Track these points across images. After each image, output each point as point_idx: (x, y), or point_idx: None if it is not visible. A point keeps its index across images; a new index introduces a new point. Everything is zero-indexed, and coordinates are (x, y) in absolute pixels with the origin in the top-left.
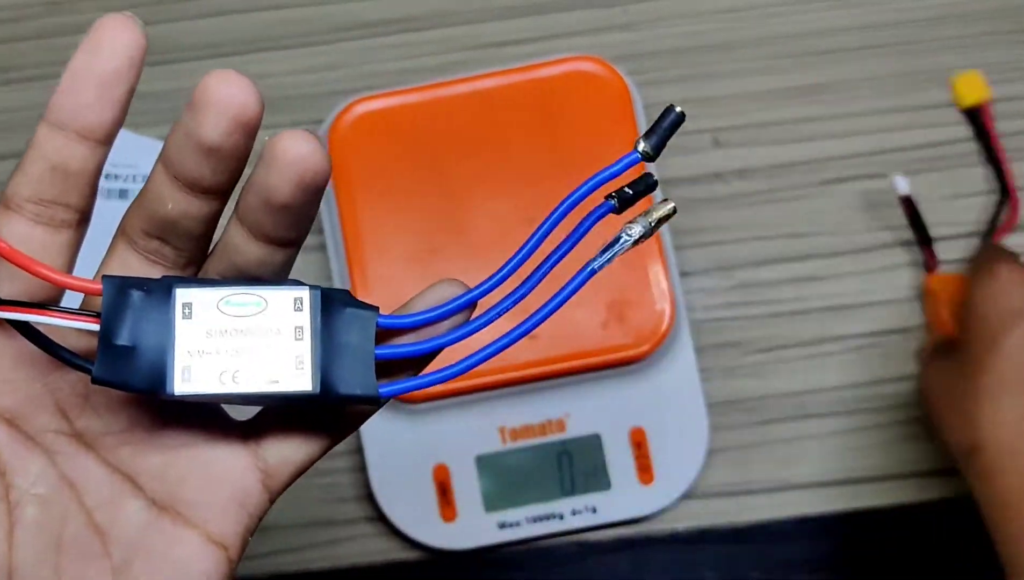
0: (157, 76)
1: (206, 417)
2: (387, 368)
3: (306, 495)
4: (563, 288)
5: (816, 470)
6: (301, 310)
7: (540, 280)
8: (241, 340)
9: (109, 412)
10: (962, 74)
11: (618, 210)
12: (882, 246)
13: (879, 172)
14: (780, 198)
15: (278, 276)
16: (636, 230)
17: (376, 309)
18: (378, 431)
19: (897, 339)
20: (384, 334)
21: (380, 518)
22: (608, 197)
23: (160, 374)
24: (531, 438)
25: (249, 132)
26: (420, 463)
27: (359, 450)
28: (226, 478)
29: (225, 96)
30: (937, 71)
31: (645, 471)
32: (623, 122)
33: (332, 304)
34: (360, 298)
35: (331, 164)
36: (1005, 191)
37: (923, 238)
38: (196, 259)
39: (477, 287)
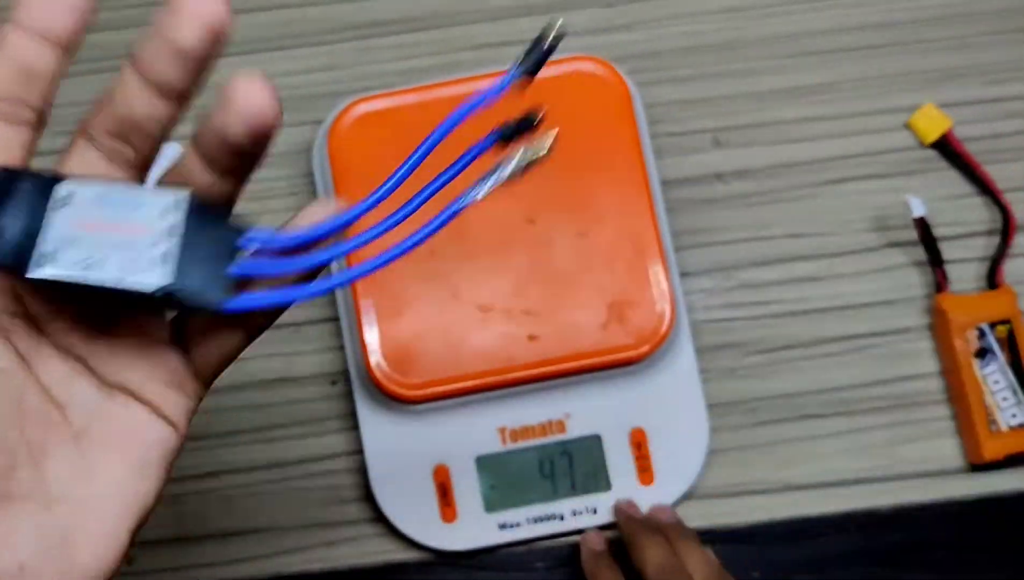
0: None
1: (144, 315)
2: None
3: (306, 496)
4: (445, 209)
5: (816, 470)
6: (176, 210)
7: (418, 207)
8: (112, 235)
9: (56, 300)
10: (917, 111)
11: (504, 142)
12: (882, 246)
13: (879, 172)
14: (780, 198)
15: (227, 206)
16: (512, 165)
17: (248, 226)
18: (378, 431)
19: (897, 339)
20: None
21: (380, 519)
22: (494, 130)
23: (24, 255)
24: (531, 439)
25: (219, 40)
26: (420, 464)
27: (359, 451)
28: (165, 367)
29: (201, 6)
30: (937, 71)
31: (645, 472)
32: (623, 122)
33: (207, 214)
34: (361, 299)
35: (281, 111)
36: (1002, 208)
37: (935, 259)
38: (148, 163)
39: (350, 210)
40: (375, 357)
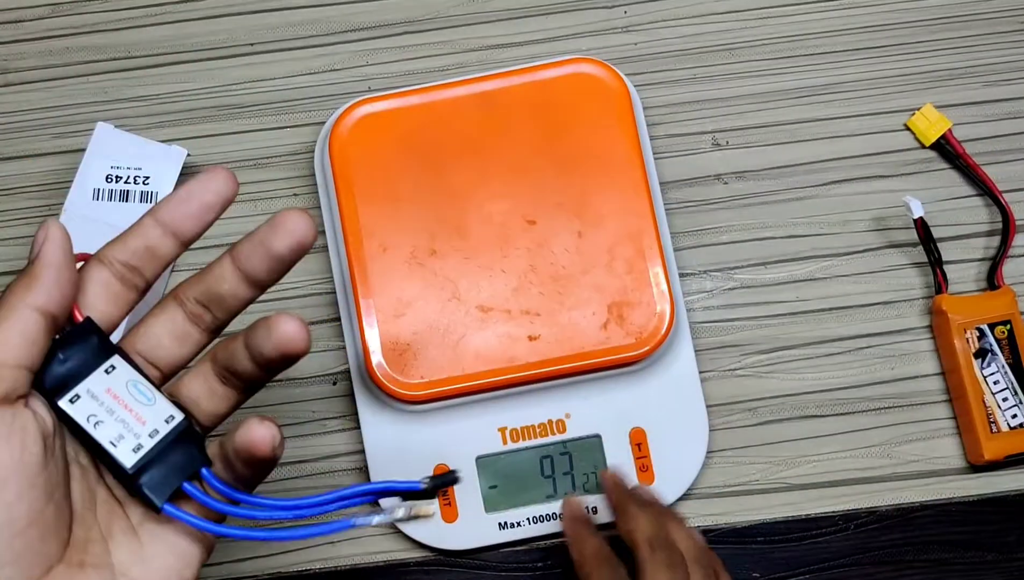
0: (160, 78)
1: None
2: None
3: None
4: (341, 521)
5: (816, 470)
6: (168, 423)
7: (318, 514)
8: (122, 411)
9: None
10: (917, 112)
11: (425, 494)
12: (882, 247)
13: (879, 173)
14: (780, 199)
15: (238, 308)
16: (400, 512)
17: (210, 463)
18: (379, 431)
19: (897, 339)
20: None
21: None
22: (422, 480)
23: (64, 389)
24: (532, 439)
25: (304, 252)
26: (421, 463)
27: (360, 451)
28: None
29: (298, 226)
30: (936, 72)
31: (645, 471)
32: (623, 124)
33: (188, 437)
34: (361, 299)
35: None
36: (1002, 209)
37: (935, 260)
38: (220, 329)
39: (276, 509)
40: (376, 357)
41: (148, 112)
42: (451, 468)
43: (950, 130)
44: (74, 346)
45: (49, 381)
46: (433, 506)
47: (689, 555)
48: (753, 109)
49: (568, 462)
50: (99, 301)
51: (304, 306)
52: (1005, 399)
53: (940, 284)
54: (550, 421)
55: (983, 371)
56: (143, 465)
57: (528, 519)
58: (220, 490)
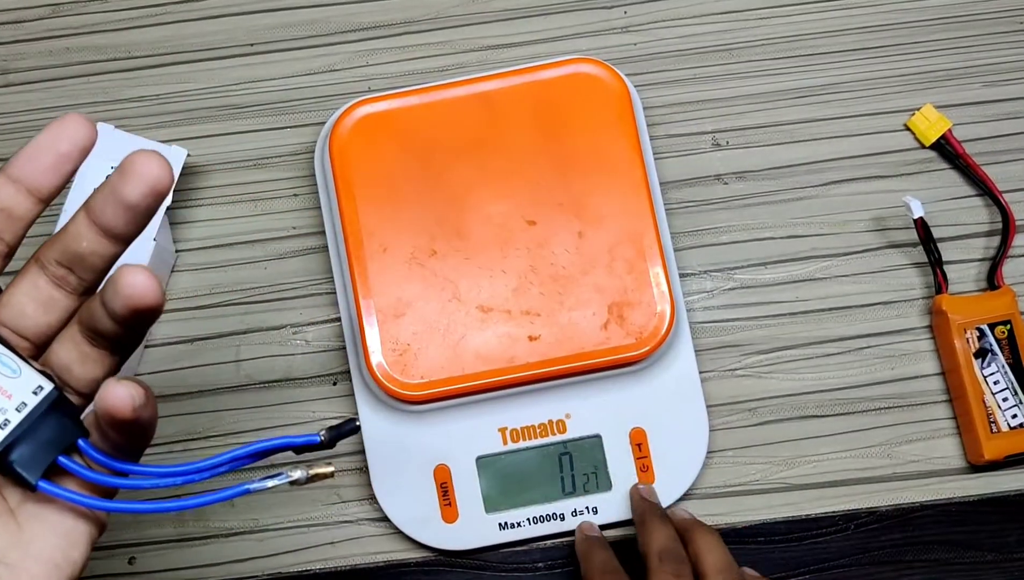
0: (160, 78)
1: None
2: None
3: (307, 496)
4: (234, 487)
5: (816, 470)
6: (36, 395)
7: (209, 477)
8: None
9: None
10: (917, 112)
11: (324, 446)
12: (882, 247)
13: (879, 173)
14: (780, 199)
15: (103, 266)
16: (297, 473)
17: (87, 434)
18: (379, 432)
19: (897, 339)
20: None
21: (381, 519)
22: (320, 433)
23: None
24: (532, 439)
25: (160, 198)
26: (421, 464)
27: (360, 451)
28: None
29: (148, 169)
30: (936, 73)
31: (645, 471)
32: (623, 124)
33: (61, 407)
34: (361, 299)
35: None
36: (1002, 209)
37: (935, 260)
38: (92, 288)
39: (163, 476)
40: (376, 357)
41: (148, 112)
42: (452, 473)
43: (950, 130)
44: None
45: None
46: (332, 466)
47: (712, 567)
48: (753, 109)
49: (568, 462)
50: None
51: (304, 306)
52: (1005, 399)
53: (940, 284)
54: (550, 421)
55: (983, 371)
56: (12, 441)
57: (528, 519)
58: (101, 461)
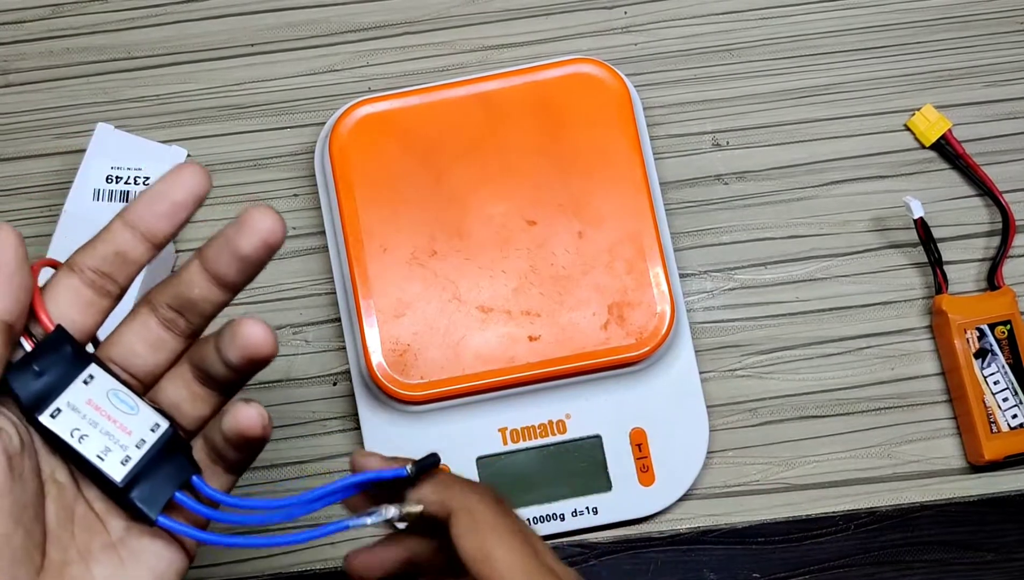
0: (160, 79)
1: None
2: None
3: None
4: (332, 524)
5: (816, 470)
6: (154, 432)
7: (309, 511)
8: (105, 423)
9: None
10: (917, 112)
11: (411, 482)
12: (882, 247)
13: (879, 173)
14: (780, 199)
15: (213, 312)
16: (392, 512)
17: (199, 470)
18: (379, 432)
19: (897, 339)
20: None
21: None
22: (407, 467)
23: (43, 403)
24: (532, 439)
25: (272, 251)
26: None
27: None
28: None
29: (263, 223)
30: (936, 73)
31: (646, 472)
32: (624, 124)
33: (175, 444)
34: (361, 299)
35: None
36: (1002, 209)
37: (935, 260)
38: (199, 331)
39: (270, 510)
40: (376, 357)
41: (148, 112)
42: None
43: (950, 130)
44: (48, 357)
45: (26, 397)
46: (421, 506)
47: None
48: (753, 109)
49: (569, 462)
50: (71, 309)
51: (304, 306)
52: (1005, 399)
53: (940, 284)
54: (550, 421)
55: (983, 371)
56: (133, 477)
57: (528, 519)
58: (212, 497)
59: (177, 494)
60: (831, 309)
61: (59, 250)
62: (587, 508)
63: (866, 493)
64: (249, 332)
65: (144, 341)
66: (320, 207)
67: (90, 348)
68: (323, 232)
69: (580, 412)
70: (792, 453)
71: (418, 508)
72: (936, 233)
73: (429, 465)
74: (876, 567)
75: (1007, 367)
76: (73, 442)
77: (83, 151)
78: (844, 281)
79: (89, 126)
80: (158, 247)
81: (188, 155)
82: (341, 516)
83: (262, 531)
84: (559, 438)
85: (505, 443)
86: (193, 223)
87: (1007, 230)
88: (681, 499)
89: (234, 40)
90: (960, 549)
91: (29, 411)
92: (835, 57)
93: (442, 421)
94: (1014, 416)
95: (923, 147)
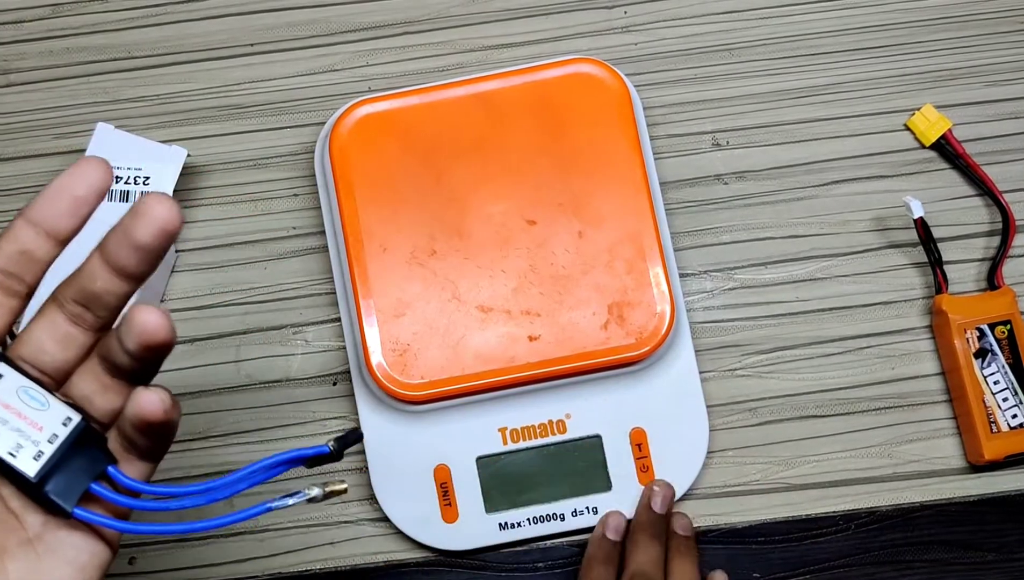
0: (160, 78)
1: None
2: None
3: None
4: (258, 506)
5: (816, 470)
6: (66, 426)
7: (231, 494)
8: (15, 419)
9: None
10: (917, 112)
11: (333, 457)
12: (882, 247)
13: (879, 173)
14: (780, 199)
15: (118, 304)
16: (314, 491)
17: (115, 460)
18: (379, 432)
19: (897, 339)
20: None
21: (381, 519)
22: (328, 443)
23: None
24: (532, 439)
25: (171, 238)
26: (421, 464)
27: (360, 451)
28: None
29: (158, 211)
30: (936, 73)
31: (646, 471)
32: (623, 124)
33: (88, 437)
34: (361, 299)
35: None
36: (1002, 209)
37: (935, 260)
38: (108, 325)
39: (189, 496)
40: (376, 357)
41: (148, 112)
42: (453, 474)
43: (950, 130)
44: None
45: None
46: (345, 483)
47: None
48: (753, 109)
49: (568, 462)
50: None
51: (304, 306)
52: (1005, 399)
53: (940, 284)
54: (550, 421)
55: (983, 371)
56: (46, 472)
57: (528, 519)
58: (129, 486)
59: (93, 485)
60: (831, 309)
61: None
62: (587, 508)
63: (866, 493)
64: (143, 319)
65: (52, 338)
66: (320, 207)
67: None
68: (323, 232)
69: (580, 412)
70: (792, 453)
71: (342, 486)
72: (936, 233)
73: (352, 441)
74: (876, 567)
75: (1007, 367)
76: None
77: (83, 151)
78: (844, 281)
79: (89, 126)
80: (63, 243)
81: (188, 155)
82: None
83: (184, 519)
84: (559, 438)
85: (505, 443)
86: (191, 224)
87: (1007, 230)
88: (681, 499)
89: (234, 40)
90: (960, 549)
91: None
92: (835, 57)
93: (442, 421)
94: (1014, 416)
95: (923, 147)
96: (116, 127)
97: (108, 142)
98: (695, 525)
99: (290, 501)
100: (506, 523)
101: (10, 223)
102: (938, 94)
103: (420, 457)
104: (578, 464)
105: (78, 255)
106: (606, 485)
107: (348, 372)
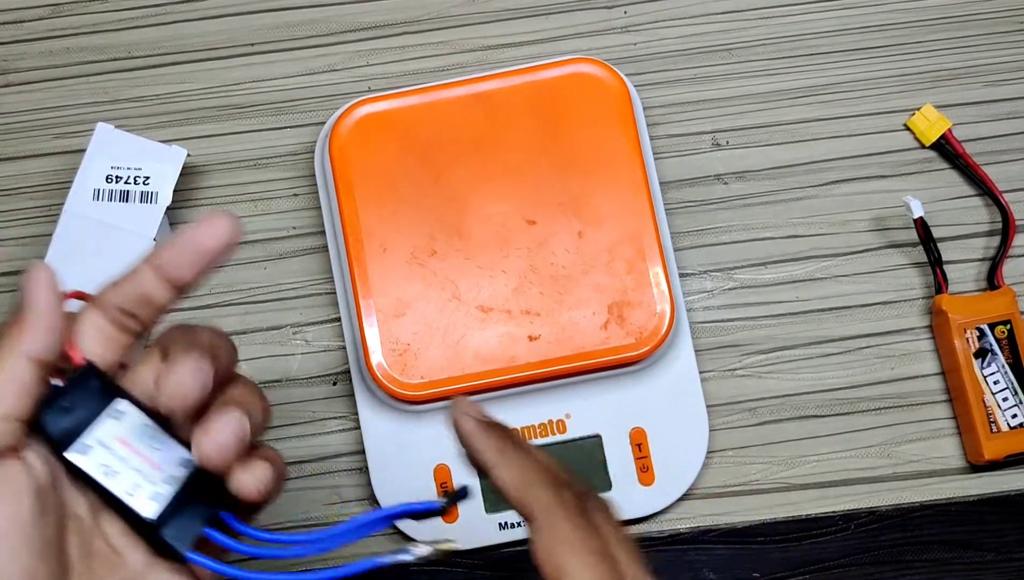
0: (160, 78)
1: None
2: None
3: (307, 496)
4: (370, 560)
5: (816, 470)
6: (183, 467)
7: (340, 544)
8: (135, 458)
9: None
10: (917, 112)
11: (442, 512)
12: (882, 247)
13: (879, 173)
14: (780, 199)
15: (162, 310)
16: (424, 550)
17: (229, 506)
18: (379, 432)
19: (897, 339)
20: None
21: None
22: (439, 500)
23: (71, 439)
24: (532, 439)
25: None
26: (421, 464)
27: (360, 451)
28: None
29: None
30: (936, 72)
31: (646, 471)
32: (623, 124)
33: (203, 479)
34: (361, 299)
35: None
36: (1002, 209)
37: (935, 259)
38: (149, 331)
39: (301, 544)
40: (376, 357)
41: (148, 112)
42: (453, 474)
43: (950, 130)
44: (77, 393)
45: (55, 432)
46: (455, 540)
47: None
48: (753, 109)
49: (568, 462)
50: (97, 346)
51: (304, 306)
52: (1005, 399)
53: (940, 284)
54: (550, 421)
55: (983, 371)
56: (163, 514)
57: None
58: (242, 531)
59: (207, 530)
60: (831, 309)
61: (59, 250)
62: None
63: (866, 493)
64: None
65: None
66: (320, 207)
67: None
68: (323, 232)
69: (580, 412)
70: (792, 453)
71: (453, 546)
72: (936, 233)
73: (460, 497)
74: (876, 567)
75: (1007, 367)
76: (102, 478)
77: (83, 151)
78: (844, 281)
79: (89, 126)
80: (182, 292)
81: (188, 155)
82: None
83: (291, 566)
84: (559, 438)
85: None
86: (189, 223)
87: (1007, 230)
88: (681, 499)
89: (234, 40)
90: (960, 549)
91: (58, 447)
92: (834, 57)
93: (442, 421)
94: (1014, 416)
95: (923, 147)
96: (116, 127)
97: (108, 142)
98: (695, 525)
99: (400, 557)
100: (506, 523)
101: (136, 263)
102: (938, 94)
103: (420, 457)
104: (578, 464)
105: (78, 258)
106: (606, 485)
107: (348, 372)
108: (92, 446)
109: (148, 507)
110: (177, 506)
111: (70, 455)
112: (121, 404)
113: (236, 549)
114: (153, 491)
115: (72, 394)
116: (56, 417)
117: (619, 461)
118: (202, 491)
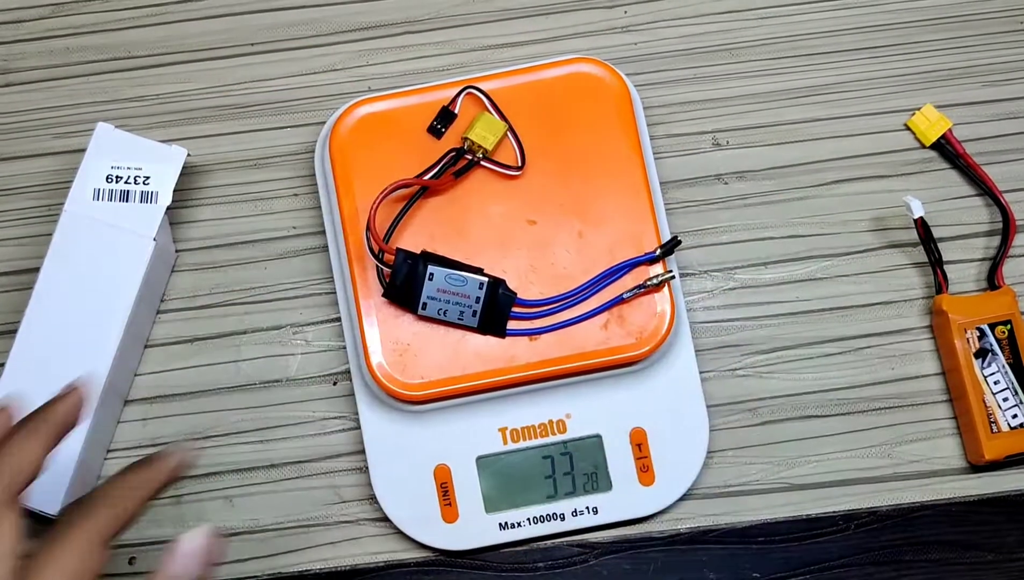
0: (160, 78)
1: None
2: None
3: (307, 496)
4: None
5: (816, 470)
6: (481, 288)
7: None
8: (453, 297)
9: None
10: (917, 112)
11: (658, 258)
12: (882, 247)
13: (879, 173)
14: (780, 199)
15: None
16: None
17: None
18: (379, 431)
19: (897, 339)
20: None
21: (381, 519)
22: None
23: (413, 303)
24: (532, 439)
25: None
26: (421, 464)
27: (360, 451)
28: None
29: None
30: (936, 72)
31: (646, 472)
32: (624, 124)
33: (497, 288)
34: (361, 299)
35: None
36: (1002, 209)
37: (935, 259)
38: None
39: None
40: (376, 357)
41: (148, 112)
42: (453, 474)
43: (950, 130)
44: (399, 272)
45: (404, 304)
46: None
47: None
48: (753, 109)
49: (569, 462)
50: None
51: (304, 306)
52: (1005, 399)
53: (940, 284)
54: (551, 421)
55: (983, 371)
56: (480, 322)
57: (528, 519)
58: None
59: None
60: (831, 309)
61: (59, 250)
62: (587, 508)
63: (866, 493)
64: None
65: None
66: (320, 207)
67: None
68: (323, 232)
69: (580, 412)
70: (792, 453)
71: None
72: (936, 233)
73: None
74: (876, 567)
75: (1007, 367)
76: (442, 318)
77: (83, 151)
78: (844, 281)
79: (89, 126)
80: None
81: (188, 154)
82: None
83: None
84: (559, 438)
85: (505, 443)
86: (193, 223)
87: (1007, 230)
88: (681, 499)
89: (234, 39)
90: (960, 549)
91: (412, 310)
92: (835, 56)
93: (442, 421)
94: (1014, 416)
95: (923, 147)
96: (116, 127)
97: (108, 142)
98: (695, 525)
99: (644, 286)
100: (506, 523)
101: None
102: (938, 94)
103: (420, 457)
104: (578, 464)
105: (78, 258)
106: (606, 485)
107: (348, 372)
108: (427, 302)
109: (472, 321)
110: (487, 314)
111: (420, 312)
112: (430, 268)
113: None
114: (471, 310)
115: (398, 275)
116: (394, 293)
117: (619, 461)
118: (503, 296)
